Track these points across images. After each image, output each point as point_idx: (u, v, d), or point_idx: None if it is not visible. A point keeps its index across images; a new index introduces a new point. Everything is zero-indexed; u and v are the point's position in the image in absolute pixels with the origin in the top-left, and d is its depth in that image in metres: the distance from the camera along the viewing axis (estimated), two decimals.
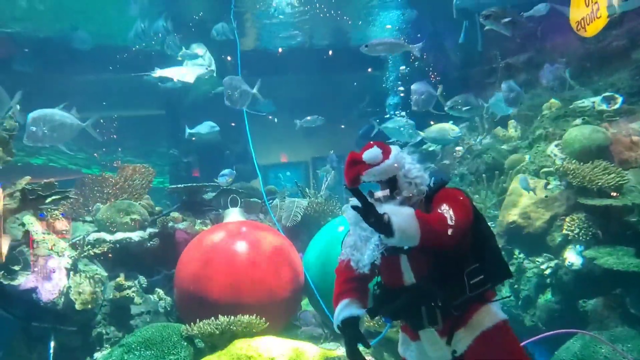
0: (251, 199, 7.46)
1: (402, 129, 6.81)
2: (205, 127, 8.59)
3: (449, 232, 2.56)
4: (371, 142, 2.90)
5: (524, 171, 6.78)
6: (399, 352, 3.04)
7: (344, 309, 2.91)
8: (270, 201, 7.45)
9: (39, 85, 7.07)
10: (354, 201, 2.55)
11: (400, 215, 2.51)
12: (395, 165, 2.81)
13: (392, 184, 2.81)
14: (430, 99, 7.23)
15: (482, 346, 2.73)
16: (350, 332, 2.87)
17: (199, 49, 7.99)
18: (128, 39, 9.72)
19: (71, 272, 5.42)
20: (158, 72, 7.72)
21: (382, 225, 2.47)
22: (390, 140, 7.71)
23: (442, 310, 2.74)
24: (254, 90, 6.92)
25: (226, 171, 7.31)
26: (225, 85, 6.79)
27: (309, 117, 8.76)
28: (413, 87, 7.27)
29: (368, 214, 2.46)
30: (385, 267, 2.81)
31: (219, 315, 4.98)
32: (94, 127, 5.98)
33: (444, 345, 2.80)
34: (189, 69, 7.77)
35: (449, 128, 7.14)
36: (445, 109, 6.96)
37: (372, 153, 2.80)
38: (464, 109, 6.96)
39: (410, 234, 2.49)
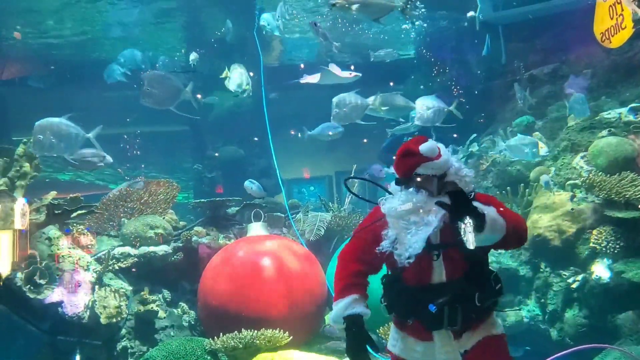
0: (274, 213, 7.48)
1: (526, 147, 6.52)
2: (327, 129, 8.39)
3: (525, 233, 2.69)
4: (419, 137, 2.88)
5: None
6: (390, 349, 2.95)
7: (353, 304, 2.79)
8: (294, 215, 7.47)
9: (60, 101, 7.21)
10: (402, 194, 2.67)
11: (489, 210, 2.54)
12: (449, 161, 2.82)
13: (439, 180, 2.79)
14: (439, 114, 7.19)
15: (487, 346, 2.82)
16: (358, 331, 2.76)
17: (240, 69, 8.05)
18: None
19: (96, 286, 5.48)
20: (306, 79, 7.74)
21: (476, 218, 2.48)
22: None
23: (467, 311, 2.74)
24: (187, 89, 6.58)
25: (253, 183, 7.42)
26: (145, 81, 6.38)
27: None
28: (418, 101, 7.19)
29: (464, 204, 2.47)
30: (415, 264, 2.71)
31: (243, 329, 4.99)
32: (99, 138, 5.98)
33: (455, 346, 2.80)
34: (336, 75, 7.73)
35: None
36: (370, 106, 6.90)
37: (430, 146, 2.78)
38: (383, 108, 6.89)
39: (498, 230, 2.56)
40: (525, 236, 2.76)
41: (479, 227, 2.48)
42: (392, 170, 2.98)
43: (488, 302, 2.79)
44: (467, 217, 2.65)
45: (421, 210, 2.70)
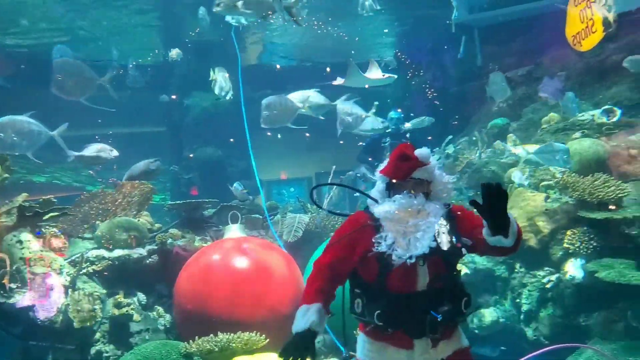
0: (252, 215, 7.46)
1: (556, 154, 6.43)
2: (371, 123, 8.34)
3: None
4: (406, 144, 2.93)
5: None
6: (363, 358, 2.93)
7: (313, 314, 2.75)
8: (272, 217, 7.45)
9: (27, 101, 7.09)
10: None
11: (511, 214, 2.58)
12: (437, 167, 2.91)
13: (425, 186, 2.86)
14: (358, 121, 7.29)
15: (459, 357, 2.89)
16: (308, 344, 2.73)
17: (223, 73, 8.01)
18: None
19: (69, 290, 5.40)
20: (340, 81, 7.67)
21: (505, 223, 2.52)
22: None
23: (446, 319, 2.76)
24: (103, 78, 6.29)
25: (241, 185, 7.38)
26: (56, 69, 6.07)
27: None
28: (339, 106, 7.20)
29: (501, 208, 2.48)
30: (400, 270, 2.74)
31: (219, 332, 4.96)
32: (64, 136, 5.87)
33: (433, 354, 2.82)
34: (369, 76, 7.64)
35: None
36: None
37: (425, 152, 2.86)
38: (307, 107, 6.88)
39: (515, 237, 2.61)
40: (519, 246, 2.76)
41: (505, 231, 2.54)
42: (376, 176, 3.01)
43: (470, 310, 2.86)
44: (442, 219, 2.71)
45: (419, 213, 2.76)
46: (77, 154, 6.06)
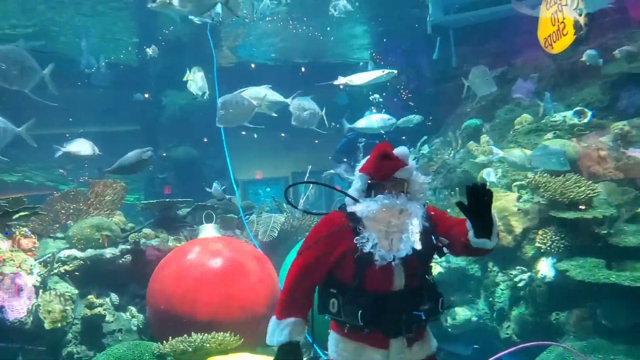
0: (227, 215, 7.42)
1: (552, 157, 6.41)
2: (377, 122, 8.11)
3: None
4: (385, 143, 2.93)
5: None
6: (336, 357, 2.93)
7: (295, 328, 2.79)
8: (247, 217, 7.43)
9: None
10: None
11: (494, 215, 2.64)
12: (415, 167, 2.92)
13: (403, 186, 2.86)
14: (314, 117, 7.25)
15: None
16: (296, 355, 2.77)
17: (200, 72, 7.94)
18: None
19: (40, 290, 5.32)
20: (341, 80, 7.56)
21: (490, 225, 2.59)
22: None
23: (419, 319, 2.79)
24: (45, 71, 5.96)
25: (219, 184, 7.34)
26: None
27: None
28: (294, 102, 7.16)
29: (486, 209, 2.54)
30: (377, 270, 2.74)
31: (192, 333, 4.92)
32: (30, 133, 5.74)
33: (408, 354, 2.84)
34: (370, 74, 7.52)
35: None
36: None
37: (405, 151, 2.87)
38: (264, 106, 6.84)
39: (497, 239, 2.70)
40: None
41: (489, 232, 2.61)
42: (354, 176, 3.00)
43: (444, 310, 2.88)
44: (415, 219, 2.72)
45: (401, 213, 2.76)
46: (64, 149, 5.93)
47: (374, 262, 2.73)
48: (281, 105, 7.07)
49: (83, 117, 10.34)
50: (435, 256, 2.90)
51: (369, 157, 2.94)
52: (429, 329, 3.01)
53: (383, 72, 7.35)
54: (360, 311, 2.75)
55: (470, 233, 2.66)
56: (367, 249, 2.73)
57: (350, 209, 2.88)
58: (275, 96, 7.00)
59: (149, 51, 9.51)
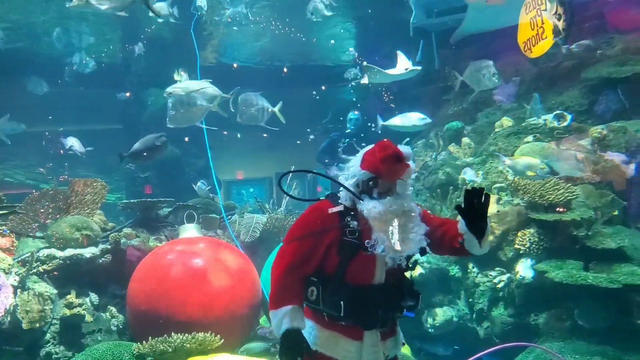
0: (209, 215, 7.40)
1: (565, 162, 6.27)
2: (412, 120, 7.83)
3: None
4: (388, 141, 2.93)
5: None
6: (313, 347, 2.93)
7: (293, 315, 2.79)
8: (229, 217, 7.41)
9: None
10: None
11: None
12: None
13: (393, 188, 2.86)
14: (263, 114, 7.12)
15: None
16: (295, 346, 2.78)
17: (185, 74, 7.89)
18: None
19: (18, 290, 5.25)
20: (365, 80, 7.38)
21: (483, 226, 2.67)
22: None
23: (394, 314, 2.88)
24: None
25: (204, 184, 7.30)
26: None
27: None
28: (241, 98, 7.03)
29: (482, 212, 2.62)
30: (360, 263, 2.81)
31: (172, 333, 4.91)
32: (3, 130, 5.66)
33: (381, 347, 2.90)
34: (395, 70, 7.32)
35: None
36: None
37: (410, 152, 2.90)
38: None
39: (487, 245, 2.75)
40: None
41: (481, 233, 2.70)
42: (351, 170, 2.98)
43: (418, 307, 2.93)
44: (395, 221, 2.76)
45: (404, 213, 2.81)
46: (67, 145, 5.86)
47: (357, 255, 2.78)
48: (220, 100, 6.84)
49: (63, 116, 10.24)
50: (417, 255, 2.94)
51: (370, 153, 2.91)
52: (399, 329, 3.06)
53: (407, 69, 7.22)
54: (341, 302, 2.80)
55: (467, 236, 2.74)
56: (378, 250, 2.77)
57: (359, 206, 2.86)
58: (215, 91, 6.79)
59: (136, 49, 9.45)
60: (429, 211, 3.13)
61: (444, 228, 2.90)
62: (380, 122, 7.65)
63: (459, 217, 2.77)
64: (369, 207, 2.81)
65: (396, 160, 2.82)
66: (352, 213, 2.84)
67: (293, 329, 2.78)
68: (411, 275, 3.06)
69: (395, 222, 2.79)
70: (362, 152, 2.99)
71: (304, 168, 3.38)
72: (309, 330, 2.96)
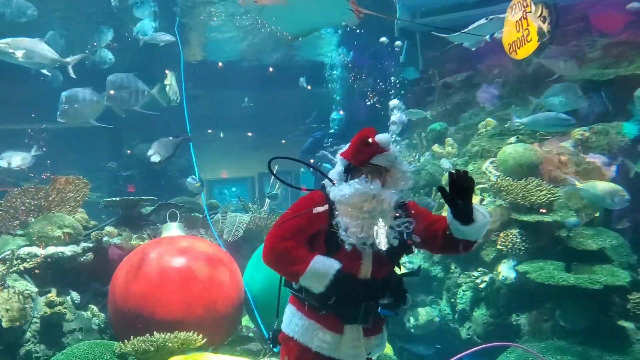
0: (192, 214, 7.35)
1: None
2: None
3: None
4: (369, 128, 2.90)
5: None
6: (288, 332, 2.94)
7: (331, 260, 2.75)
8: (212, 216, 7.37)
9: None
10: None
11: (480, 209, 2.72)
12: (397, 155, 2.88)
13: (382, 173, 2.85)
14: (136, 97, 6.74)
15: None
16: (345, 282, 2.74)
17: (173, 77, 7.79)
18: None
19: None
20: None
21: (469, 212, 2.63)
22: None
23: (377, 311, 2.84)
24: None
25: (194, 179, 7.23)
26: None
27: None
28: (111, 78, 6.64)
29: (466, 195, 2.59)
30: (346, 256, 2.78)
31: (155, 332, 4.87)
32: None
33: (363, 342, 2.88)
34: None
35: None
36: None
37: (386, 137, 2.84)
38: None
39: (483, 231, 2.75)
40: None
41: (468, 219, 2.66)
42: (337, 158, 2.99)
43: (407, 307, 2.93)
44: (380, 220, 2.74)
45: (374, 200, 2.75)
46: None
47: (344, 247, 2.75)
48: (56, 64, 6.34)
49: (45, 114, 10.09)
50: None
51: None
52: (385, 327, 3.04)
53: (487, 19, 6.91)
54: (306, 289, 2.81)
55: (454, 224, 2.70)
56: (341, 233, 2.74)
57: (327, 190, 2.89)
58: (49, 52, 6.21)
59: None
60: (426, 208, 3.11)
61: (438, 224, 2.86)
62: (516, 120, 7.33)
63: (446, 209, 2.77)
64: (336, 190, 2.81)
65: (363, 143, 2.81)
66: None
67: (340, 269, 2.73)
68: (402, 273, 3.02)
69: (364, 207, 2.75)
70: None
71: (287, 168, 3.33)
72: (290, 315, 2.97)
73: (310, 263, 2.72)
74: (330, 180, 2.91)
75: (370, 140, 2.81)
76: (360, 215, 2.74)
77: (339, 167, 2.92)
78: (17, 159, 6.38)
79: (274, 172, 3.25)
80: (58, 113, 6.19)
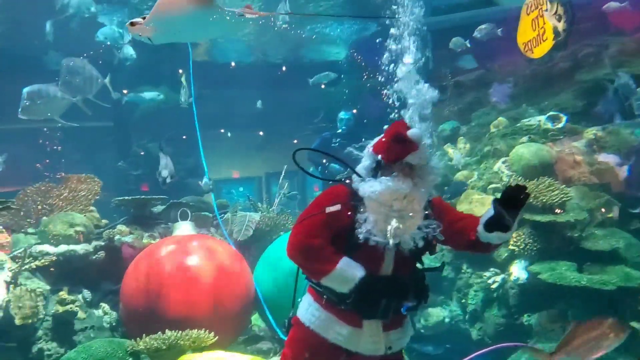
0: (202, 213, 7.36)
1: None
2: None
3: None
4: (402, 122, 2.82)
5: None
6: (305, 322, 2.93)
7: (353, 263, 2.73)
8: (222, 215, 7.37)
9: None
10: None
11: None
12: (429, 151, 2.80)
13: (412, 170, 2.76)
14: (90, 84, 6.51)
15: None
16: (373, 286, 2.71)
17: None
18: None
19: (11, 286, 5.21)
20: None
21: (512, 219, 2.56)
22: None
23: (399, 307, 2.80)
24: None
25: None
26: None
27: None
28: (64, 61, 6.41)
29: (517, 204, 2.51)
30: (368, 252, 2.75)
31: (166, 330, 4.88)
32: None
33: (382, 337, 2.85)
34: None
35: None
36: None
37: (419, 133, 2.73)
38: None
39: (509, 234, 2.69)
40: None
41: (506, 227, 2.60)
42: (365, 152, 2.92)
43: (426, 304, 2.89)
44: (394, 205, 2.70)
45: (405, 199, 2.69)
46: None
47: (366, 243, 2.71)
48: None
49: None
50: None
51: (382, 135, 2.85)
52: (408, 320, 3.02)
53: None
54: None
55: (480, 227, 2.67)
56: (362, 230, 2.70)
57: (355, 186, 2.83)
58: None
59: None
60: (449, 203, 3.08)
61: (464, 222, 2.83)
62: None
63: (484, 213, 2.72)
64: (366, 186, 2.74)
65: (397, 140, 2.72)
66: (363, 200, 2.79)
67: (365, 275, 2.71)
68: (423, 268, 2.99)
69: (394, 206, 2.69)
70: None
71: (295, 167, 3.26)
72: (307, 305, 2.96)
73: (337, 265, 2.70)
74: (359, 175, 2.84)
75: (404, 136, 2.71)
76: (390, 213, 2.69)
77: (367, 162, 2.85)
78: None
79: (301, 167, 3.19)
80: (19, 110, 6.05)
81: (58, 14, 8.26)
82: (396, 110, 3.16)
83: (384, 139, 2.81)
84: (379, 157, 2.78)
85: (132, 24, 4.90)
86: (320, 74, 9.72)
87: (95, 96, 6.30)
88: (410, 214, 2.71)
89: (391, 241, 2.69)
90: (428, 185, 2.80)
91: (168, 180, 5.69)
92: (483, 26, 6.09)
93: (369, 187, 2.73)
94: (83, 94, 6.48)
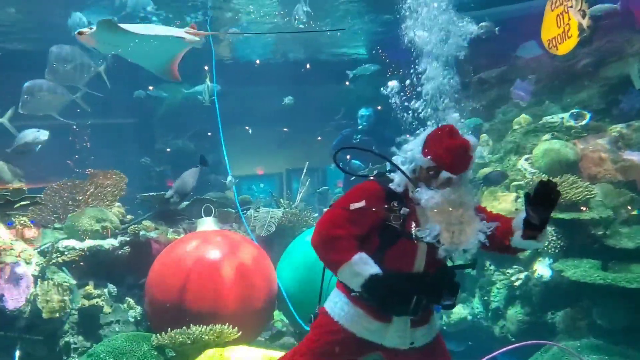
0: (225, 209, 7.42)
1: None
2: None
3: None
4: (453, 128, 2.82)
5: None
6: (334, 316, 2.95)
7: (369, 261, 2.73)
8: (245, 211, 7.42)
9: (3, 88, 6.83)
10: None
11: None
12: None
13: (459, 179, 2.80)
14: (80, 72, 6.43)
15: (437, 345, 3.02)
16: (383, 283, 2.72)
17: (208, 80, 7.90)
18: None
19: (39, 280, 5.31)
20: None
21: (541, 226, 2.62)
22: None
23: (428, 304, 2.85)
24: None
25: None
26: None
27: None
28: (53, 50, 6.32)
29: (550, 207, 2.53)
30: (400, 250, 2.79)
31: (191, 325, 4.93)
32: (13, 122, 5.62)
33: (408, 333, 2.89)
34: None
35: None
36: None
37: (476, 141, 2.81)
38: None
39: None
40: None
41: (540, 228, 2.64)
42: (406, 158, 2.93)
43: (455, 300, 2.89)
44: (452, 213, 2.77)
45: (461, 207, 2.76)
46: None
47: (399, 242, 2.76)
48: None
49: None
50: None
51: (435, 139, 2.81)
52: (434, 317, 3.05)
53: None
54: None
55: (517, 233, 2.72)
56: (428, 239, 2.73)
57: (414, 194, 2.82)
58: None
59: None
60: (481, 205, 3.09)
61: (499, 225, 2.85)
62: None
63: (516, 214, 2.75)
64: (427, 197, 2.75)
65: (463, 152, 2.73)
66: (400, 199, 2.81)
67: (376, 273, 2.71)
68: (454, 265, 3.01)
69: (454, 214, 2.74)
70: (423, 134, 2.91)
71: (316, 164, 3.30)
72: (336, 299, 2.98)
73: (351, 259, 2.72)
74: (408, 177, 2.85)
75: (469, 149, 2.74)
76: (452, 222, 2.75)
77: (416, 165, 2.85)
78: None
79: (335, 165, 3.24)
80: (19, 104, 6.08)
81: (115, 12, 8.37)
82: (423, 107, 3.17)
83: (444, 147, 2.75)
84: (436, 165, 2.78)
85: (79, 33, 4.97)
86: (362, 66, 9.66)
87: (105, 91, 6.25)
88: (468, 220, 2.78)
89: (457, 247, 2.77)
90: (472, 190, 2.89)
91: (172, 200, 5.60)
92: (483, 24, 6.09)
93: (427, 196, 2.75)
94: (72, 82, 6.42)
